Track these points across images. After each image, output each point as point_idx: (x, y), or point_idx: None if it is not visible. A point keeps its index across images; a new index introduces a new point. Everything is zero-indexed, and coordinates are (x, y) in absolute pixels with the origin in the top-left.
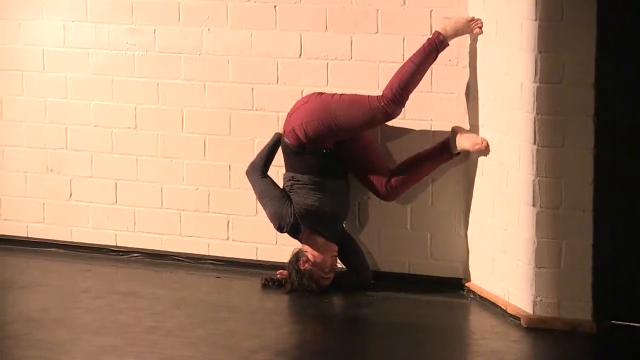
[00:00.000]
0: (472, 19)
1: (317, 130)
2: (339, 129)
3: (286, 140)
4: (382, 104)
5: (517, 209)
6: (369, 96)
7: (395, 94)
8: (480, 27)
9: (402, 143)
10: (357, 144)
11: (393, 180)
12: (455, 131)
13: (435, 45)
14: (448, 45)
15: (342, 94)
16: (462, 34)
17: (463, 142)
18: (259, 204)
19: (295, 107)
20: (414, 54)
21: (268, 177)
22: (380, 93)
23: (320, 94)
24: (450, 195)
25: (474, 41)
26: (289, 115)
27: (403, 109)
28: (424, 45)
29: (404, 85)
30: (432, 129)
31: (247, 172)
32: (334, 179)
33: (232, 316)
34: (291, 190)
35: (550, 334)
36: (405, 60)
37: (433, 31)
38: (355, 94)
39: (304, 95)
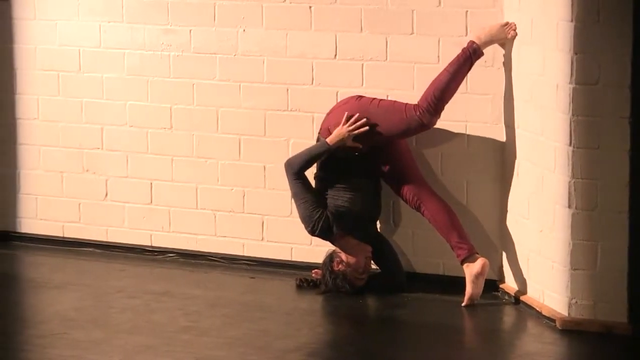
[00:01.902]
0: (506, 24)
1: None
2: (373, 135)
3: (321, 138)
4: (418, 114)
5: (552, 210)
6: (406, 105)
7: (431, 104)
8: (515, 30)
9: (436, 144)
10: (390, 152)
11: (425, 212)
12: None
13: (470, 55)
14: (482, 54)
15: (380, 100)
16: (497, 40)
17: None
18: (293, 204)
19: (334, 107)
20: (449, 64)
21: (303, 177)
22: (416, 94)
23: (360, 97)
24: (485, 196)
25: (509, 42)
26: (327, 114)
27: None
28: (458, 55)
29: (439, 95)
30: (467, 131)
31: (285, 166)
32: (365, 179)
33: (266, 316)
34: (321, 191)
35: (585, 336)
36: (440, 65)
37: (468, 41)
38: (394, 101)
39: (339, 95)
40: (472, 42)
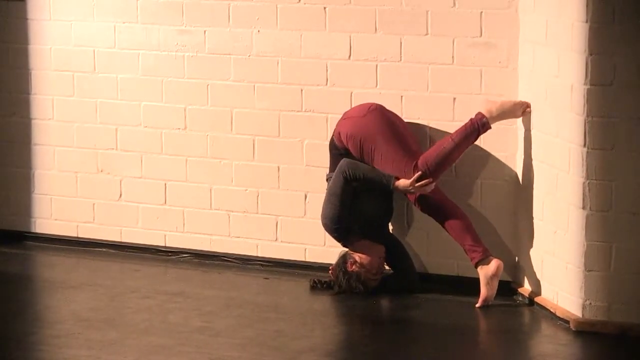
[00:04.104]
0: (519, 103)
1: (355, 149)
2: (371, 162)
3: (334, 140)
4: (413, 171)
5: (567, 211)
6: (410, 157)
7: (429, 169)
8: (529, 108)
9: None
10: None
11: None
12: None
13: (477, 127)
14: (490, 128)
15: (395, 135)
16: (508, 117)
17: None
18: (307, 205)
19: (352, 114)
20: (455, 132)
21: (350, 185)
22: (430, 96)
23: (382, 114)
24: (499, 197)
25: (524, 43)
26: (345, 117)
27: (452, 111)
28: (466, 124)
29: (439, 162)
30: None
31: (344, 164)
32: None
33: (281, 317)
34: None
35: (599, 337)
36: (455, 66)
37: (476, 114)
38: (403, 147)
39: (353, 96)
40: (482, 116)
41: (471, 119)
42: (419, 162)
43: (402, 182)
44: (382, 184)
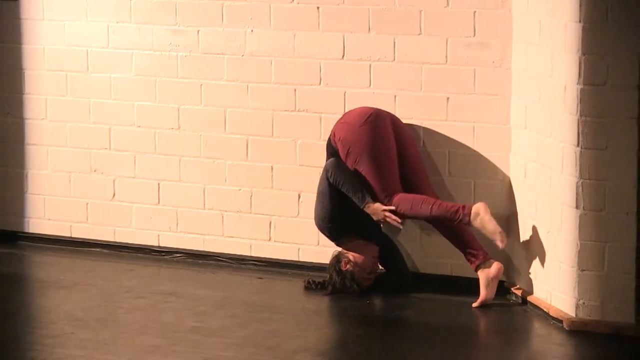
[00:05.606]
0: (502, 233)
1: (342, 154)
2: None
3: (330, 140)
4: (385, 202)
5: (560, 211)
6: (384, 187)
7: (399, 210)
8: (503, 245)
9: (444, 144)
10: (398, 158)
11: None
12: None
13: (459, 218)
14: (471, 226)
15: (381, 157)
16: (484, 232)
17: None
18: (301, 205)
19: (350, 119)
20: (440, 205)
21: (336, 187)
22: (423, 96)
23: (378, 128)
24: (493, 197)
25: (517, 43)
26: (343, 120)
27: (446, 110)
28: (454, 206)
29: (410, 214)
30: (475, 131)
31: (331, 166)
32: None
33: (274, 317)
34: None
35: (593, 337)
36: (448, 65)
37: (471, 205)
38: (381, 176)
39: (347, 96)
40: (469, 212)
41: (462, 207)
42: (395, 199)
43: (374, 207)
44: (354, 199)
